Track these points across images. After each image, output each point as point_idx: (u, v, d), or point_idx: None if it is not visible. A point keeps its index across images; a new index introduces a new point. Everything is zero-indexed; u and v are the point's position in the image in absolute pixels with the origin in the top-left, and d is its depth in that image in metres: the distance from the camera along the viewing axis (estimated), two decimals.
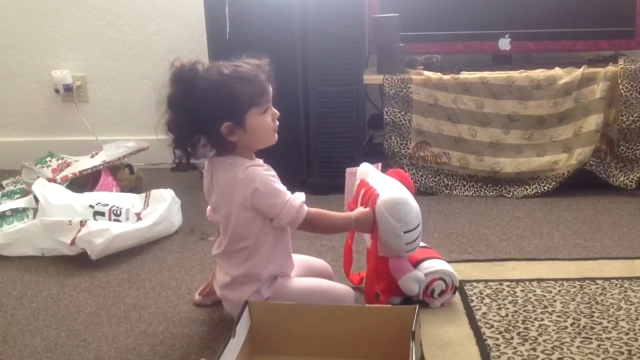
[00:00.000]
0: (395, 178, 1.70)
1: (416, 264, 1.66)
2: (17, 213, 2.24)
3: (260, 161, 1.56)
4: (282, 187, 1.52)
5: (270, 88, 1.54)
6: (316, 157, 2.58)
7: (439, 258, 1.71)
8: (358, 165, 1.80)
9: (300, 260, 1.71)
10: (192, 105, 1.48)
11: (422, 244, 1.71)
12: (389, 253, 1.62)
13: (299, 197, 1.53)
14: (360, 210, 1.62)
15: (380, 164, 1.78)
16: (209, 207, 1.65)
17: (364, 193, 1.67)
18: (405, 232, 1.59)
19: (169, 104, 1.50)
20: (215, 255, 1.61)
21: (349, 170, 1.81)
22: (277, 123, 1.57)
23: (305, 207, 1.53)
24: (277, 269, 1.58)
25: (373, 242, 1.62)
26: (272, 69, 1.55)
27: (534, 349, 1.46)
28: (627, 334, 1.52)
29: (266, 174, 1.51)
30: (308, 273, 1.69)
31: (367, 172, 1.74)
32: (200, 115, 1.49)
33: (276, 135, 1.57)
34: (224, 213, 1.54)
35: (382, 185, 1.64)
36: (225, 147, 1.53)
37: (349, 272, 1.81)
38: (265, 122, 1.54)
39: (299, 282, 1.61)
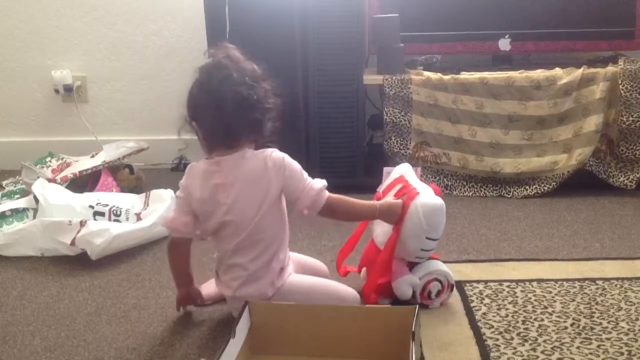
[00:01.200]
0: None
1: (412, 266, 1.66)
2: (17, 213, 2.24)
3: None
4: (305, 172, 1.55)
5: None
6: (316, 157, 2.58)
7: (432, 258, 1.70)
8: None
9: (294, 257, 1.71)
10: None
11: None
12: (398, 253, 1.62)
13: (319, 181, 1.54)
14: (388, 201, 1.62)
15: (419, 169, 1.80)
16: (173, 215, 1.63)
17: (401, 187, 1.66)
18: (427, 238, 1.60)
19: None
20: (227, 252, 1.55)
21: (386, 169, 1.82)
22: None
23: (326, 192, 1.53)
24: (284, 258, 1.59)
25: (394, 233, 1.61)
26: None
27: (534, 350, 1.46)
28: (627, 334, 1.52)
29: (290, 158, 1.54)
30: (303, 271, 1.69)
31: (407, 172, 1.74)
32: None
33: None
34: (248, 206, 1.51)
35: (422, 188, 1.65)
36: (261, 138, 1.55)
37: (343, 260, 1.80)
38: None
39: (307, 280, 1.62)
